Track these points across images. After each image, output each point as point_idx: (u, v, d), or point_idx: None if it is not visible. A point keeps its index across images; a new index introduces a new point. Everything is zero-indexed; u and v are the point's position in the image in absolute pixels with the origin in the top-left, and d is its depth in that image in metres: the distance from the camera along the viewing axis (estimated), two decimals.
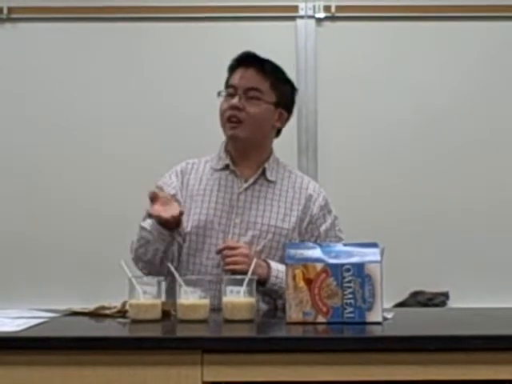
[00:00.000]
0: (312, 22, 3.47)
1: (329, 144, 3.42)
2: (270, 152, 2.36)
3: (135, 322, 1.86)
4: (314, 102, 3.44)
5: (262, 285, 2.13)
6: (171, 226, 2.13)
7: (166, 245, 2.17)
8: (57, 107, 3.46)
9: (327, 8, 3.46)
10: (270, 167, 2.31)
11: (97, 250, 3.34)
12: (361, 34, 3.47)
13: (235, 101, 2.23)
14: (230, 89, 2.27)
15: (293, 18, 3.47)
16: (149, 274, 2.17)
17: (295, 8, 3.47)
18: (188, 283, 1.90)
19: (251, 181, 2.29)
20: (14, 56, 3.49)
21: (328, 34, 3.46)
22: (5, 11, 3.45)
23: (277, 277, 2.15)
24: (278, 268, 2.15)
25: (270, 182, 2.30)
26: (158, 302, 1.90)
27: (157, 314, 1.88)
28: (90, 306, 2.07)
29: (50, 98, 3.46)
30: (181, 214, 2.11)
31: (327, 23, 3.48)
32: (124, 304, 1.99)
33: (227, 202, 2.26)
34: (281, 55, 3.40)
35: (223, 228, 2.23)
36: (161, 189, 2.16)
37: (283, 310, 1.89)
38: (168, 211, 2.09)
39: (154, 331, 1.80)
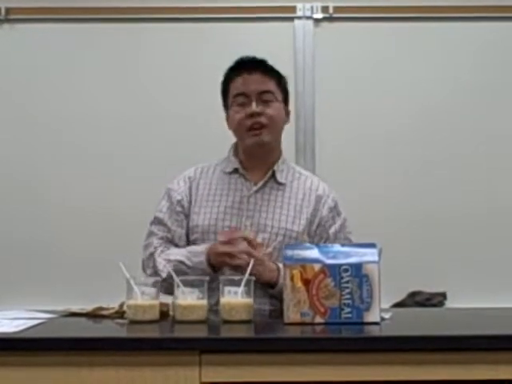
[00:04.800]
0: (310, 22, 3.48)
1: (326, 144, 3.42)
2: (280, 152, 2.35)
3: (133, 322, 1.86)
4: (312, 102, 3.45)
5: (272, 287, 2.12)
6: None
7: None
8: (55, 107, 3.46)
9: (325, 9, 3.47)
10: (279, 169, 2.29)
11: (95, 251, 3.34)
12: (358, 34, 3.48)
13: (254, 108, 2.19)
14: (241, 97, 2.23)
15: (291, 19, 3.48)
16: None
17: (293, 9, 3.47)
18: (186, 284, 1.91)
19: (260, 184, 2.27)
20: (12, 57, 3.49)
21: (326, 34, 3.47)
22: (3, 12, 3.46)
23: None
24: None
25: (279, 184, 2.28)
26: (156, 302, 1.90)
27: (155, 314, 1.88)
28: (88, 307, 2.07)
29: (48, 98, 3.46)
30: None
31: (325, 24, 3.48)
32: (122, 305, 1.99)
33: (236, 205, 2.23)
34: (279, 56, 3.41)
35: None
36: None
37: None
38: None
39: (152, 332, 1.80)
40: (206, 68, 3.38)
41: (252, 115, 2.19)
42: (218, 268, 2.12)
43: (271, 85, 2.25)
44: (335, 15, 3.47)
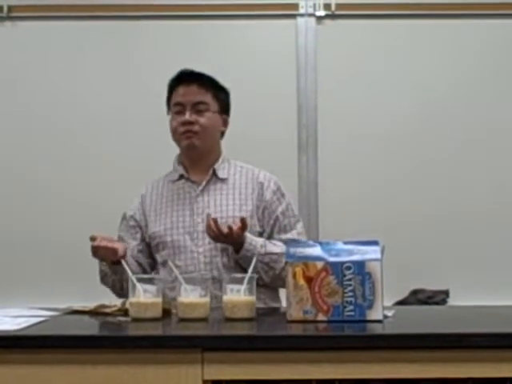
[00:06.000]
0: (312, 20, 3.47)
1: (329, 141, 3.42)
2: (219, 154, 2.52)
3: (135, 320, 1.86)
4: (314, 99, 3.44)
5: (237, 252, 2.28)
6: (115, 257, 2.23)
7: (120, 275, 2.29)
8: (56, 105, 3.46)
9: (327, 6, 3.46)
10: (219, 167, 2.48)
11: None
12: (360, 31, 3.48)
13: (187, 117, 2.41)
14: (178, 106, 2.44)
15: (293, 16, 3.47)
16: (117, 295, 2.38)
17: (296, 6, 3.47)
18: (188, 281, 1.91)
19: (204, 183, 2.45)
20: (14, 54, 3.49)
21: (328, 31, 3.46)
22: (5, 9, 3.46)
23: (250, 244, 2.28)
24: (252, 237, 2.30)
25: (222, 180, 2.46)
26: (159, 300, 1.90)
27: (157, 312, 1.89)
28: (91, 305, 2.08)
29: (49, 96, 3.46)
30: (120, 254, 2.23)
31: (327, 21, 3.48)
32: (124, 302, 1.99)
33: (187, 206, 2.42)
34: (281, 53, 3.45)
35: (188, 229, 2.38)
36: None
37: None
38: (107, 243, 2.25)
39: (155, 330, 1.80)
40: (209, 65, 3.37)
41: (185, 123, 2.41)
42: (103, 257, 2.28)
43: (206, 96, 2.45)
44: (337, 12, 3.46)
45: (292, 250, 1.86)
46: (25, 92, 3.47)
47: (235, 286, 1.89)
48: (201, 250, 2.35)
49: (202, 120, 2.42)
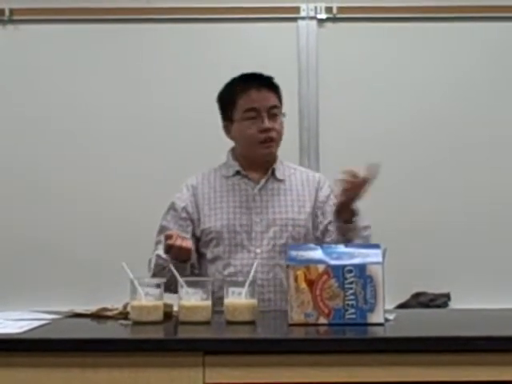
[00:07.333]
0: (313, 23, 3.47)
1: (330, 144, 3.42)
2: (277, 154, 2.49)
3: (137, 323, 1.86)
4: (316, 102, 3.45)
5: (346, 222, 2.28)
6: (187, 256, 2.20)
7: (181, 273, 2.19)
8: (58, 108, 3.46)
9: (329, 9, 3.46)
10: (277, 168, 2.45)
11: (99, 251, 3.34)
12: (362, 35, 3.47)
13: (267, 124, 2.35)
14: (252, 112, 2.36)
15: (294, 19, 3.47)
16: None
17: (297, 9, 3.47)
18: (190, 284, 1.91)
19: (263, 182, 2.41)
20: (16, 57, 3.49)
21: (329, 34, 3.46)
22: (6, 13, 3.46)
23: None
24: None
25: (279, 180, 2.43)
26: (160, 303, 1.90)
27: (159, 315, 1.88)
28: (92, 308, 2.07)
29: (51, 99, 3.46)
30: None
31: (329, 24, 3.48)
32: (126, 306, 1.99)
33: (244, 204, 2.38)
34: (283, 56, 3.46)
35: (246, 228, 2.34)
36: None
37: None
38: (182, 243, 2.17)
39: (156, 333, 1.80)
40: (210, 69, 3.38)
41: (264, 130, 2.36)
42: (176, 256, 2.18)
43: (276, 100, 2.41)
44: (339, 16, 3.46)
45: (293, 253, 1.87)
46: (26, 94, 3.47)
47: (236, 289, 1.89)
48: (258, 250, 2.32)
49: (277, 126, 2.39)
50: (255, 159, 2.42)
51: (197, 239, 2.39)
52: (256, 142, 2.37)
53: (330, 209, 2.38)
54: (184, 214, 2.39)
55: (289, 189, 2.43)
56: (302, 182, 2.46)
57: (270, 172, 2.43)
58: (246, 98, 2.38)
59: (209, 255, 2.37)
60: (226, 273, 2.28)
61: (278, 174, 2.44)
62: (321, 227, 2.39)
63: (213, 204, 2.39)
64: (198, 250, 2.38)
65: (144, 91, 3.46)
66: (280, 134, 2.41)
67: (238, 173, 2.43)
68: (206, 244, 2.37)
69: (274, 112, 2.38)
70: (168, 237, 2.15)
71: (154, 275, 2.26)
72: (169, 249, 2.15)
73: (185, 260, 2.20)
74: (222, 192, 2.41)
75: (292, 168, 2.51)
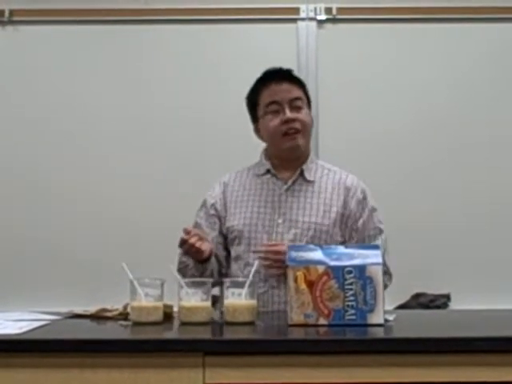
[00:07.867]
0: (313, 24, 3.48)
1: (330, 144, 3.41)
2: (309, 153, 2.44)
3: (137, 324, 1.86)
4: (315, 103, 3.42)
5: None
6: (200, 257, 2.20)
7: (201, 273, 2.25)
8: (58, 109, 3.46)
9: (328, 10, 3.47)
10: (307, 168, 2.39)
11: (99, 251, 3.34)
12: (362, 35, 3.48)
13: (288, 114, 2.30)
14: (274, 105, 2.33)
15: (294, 20, 3.48)
16: None
17: (296, 10, 3.47)
18: (190, 285, 1.91)
19: (290, 182, 2.37)
20: (16, 58, 3.50)
21: (329, 35, 3.47)
22: (6, 14, 3.46)
23: None
24: None
25: (308, 181, 2.38)
26: (160, 304, 1.90)
27: (158, 316, 1.88)
28: (92, 309, 2.07)
29: (51, 99, 3.47)
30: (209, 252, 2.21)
31: (328, 25, 3.48)
32: (126, 306, 1.99)
33: (269, 204, 2.35)
34: (282, 57, 3.44)
35: (267, 229, 2.32)
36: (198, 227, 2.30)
37: None
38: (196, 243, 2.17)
39: (156, 334, 1.80)
40: (210, 69, 3.38)
41: (287, 121, 2.31)
42: (187, 253, 2.21)
43: (299, 92, 2.36)
44: (338, 16, 3.47)
45: (293, 254, 1.87)
46: (26, 95, 3.47)
47: (236, 290, 1.89)
48: None
49: (302, 116, 2.32)
50: (281, 154, 2.37)
51: (224, 237, 2.39)
52: (279, 135, 2.32)
53: (363, 221, 2.33)
54: (212, 211, 2.39)
55: (317, 191, 2.35)
56: (333, 185, 2.37)
57: (298, 172, 2.37)
58: (267, 93, 2.35)
59: (232, 253, 2.36)
60: (245, 272, 2.24)
61: (308, 175, 2.37)
62: (347, 238, 2.32)
63: (239, 202, 2.37)
64: (226, 248, 2.39)
65: (143, 91, 3.46)
66: (306, 125, 2.34)
67: (268, 171, 2.40)
68: (230, 242, 2.36)
69: (297, 104, 2.33)
70: (185, 232, 2.15)
71: (179, 270, 2.24)
72: (182, 243, 2.16)
73: (200, 260, 2.21)
74: (250, 190, 2.38)
75: (326, 168, 2.43)
